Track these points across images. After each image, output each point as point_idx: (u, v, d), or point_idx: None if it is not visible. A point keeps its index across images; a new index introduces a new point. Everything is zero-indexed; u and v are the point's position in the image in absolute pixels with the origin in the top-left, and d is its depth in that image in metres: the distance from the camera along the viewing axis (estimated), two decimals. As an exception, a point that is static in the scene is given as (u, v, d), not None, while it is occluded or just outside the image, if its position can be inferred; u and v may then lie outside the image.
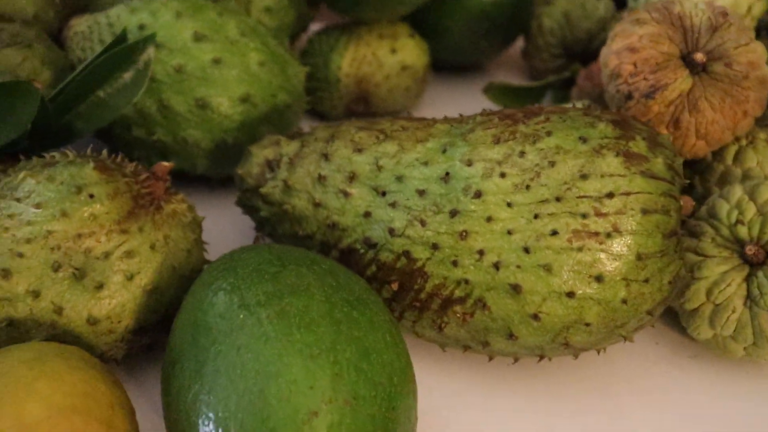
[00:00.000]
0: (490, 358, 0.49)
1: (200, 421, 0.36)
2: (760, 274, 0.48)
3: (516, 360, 0.48)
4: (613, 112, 0.48)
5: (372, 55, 0.68)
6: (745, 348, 0.49)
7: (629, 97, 0.52)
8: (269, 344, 0.36)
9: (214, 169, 0.59)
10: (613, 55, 0.54)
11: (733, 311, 0.48)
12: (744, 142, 0.57)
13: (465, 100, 0.76)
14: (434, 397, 0.49)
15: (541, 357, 0.47)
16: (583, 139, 0.44)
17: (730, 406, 0.49)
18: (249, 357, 0.36)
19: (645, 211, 0.43)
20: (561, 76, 0.71)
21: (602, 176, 0.43)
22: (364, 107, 0.70)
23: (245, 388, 0.36)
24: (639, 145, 0.44)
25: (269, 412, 0.35)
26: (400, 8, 0.66)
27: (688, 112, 0.52)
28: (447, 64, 0.81)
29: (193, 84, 0.56)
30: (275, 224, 0.51)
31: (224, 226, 0.58)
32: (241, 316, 0.38)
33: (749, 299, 0.48)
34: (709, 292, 0.49)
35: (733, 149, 0.57)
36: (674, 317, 0.54)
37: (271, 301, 0.38)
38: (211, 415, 0.36)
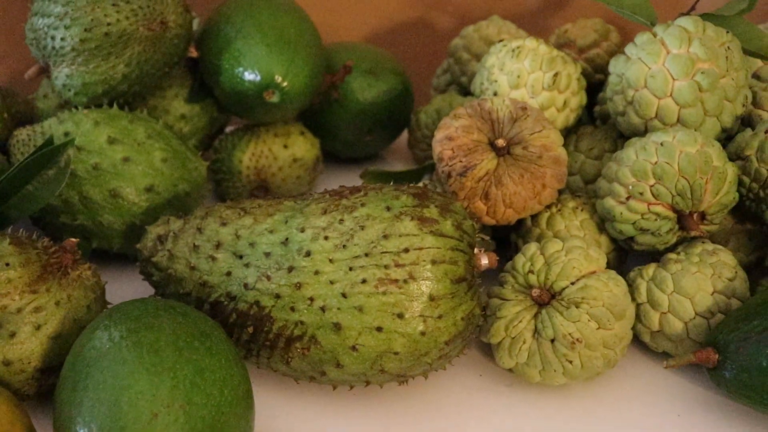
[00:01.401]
0: (334, 387, 0.61)
1: (73, 427, 0.48)
2: (543, 312, 0.60)
3: (351, 387, 0.60)
4: (417, 186, 0.60)
5: (268, 150, 0.82)
6: (539, 372, 0.61)
7: (449, 175, 0.66)
8: (125, 365, 0.48)
9: (128, 247, 0.72)
10: (437, 143, 0.67)
11: (524, 342, 0.60)
12: (554, 209, 0.70)
13: (353, 184, 0.90)
14: (289, 420, 0.60)
15: (368, 383, 0.59)
16: (388, 208, 0.57)
17: (538, 425, 0.61)
18: (109, 375, 0.48)
19: (434, 262, 0.55)
20: (431, 162, 0.84)
21: (400, 236, 0.56)
22: (264, 193, 0.83)
23: (105, 398, 0.48)
24: (431, 211, 0.57)
25: (121, 415, 0.47)
26: (283, 115, 0.81)
27: (494, 186, 0.65)
28: (340, 156, 0.95)
29: (107, 178, 0.69)
30: (164, 286, 0.63)
31: (132, 291, 0.70)
32: (108, 346, 0.50)
33: (536, 332, 0.60)
34: (506, 328, 0.61)
35: (545, 215, 0.70)
36: (497, 354, 0.66)
37: (131, 335, 0.50)
38: (80, 419, 0.48)
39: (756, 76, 0.78)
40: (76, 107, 0.74)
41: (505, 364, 0.62)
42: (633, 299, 0.64)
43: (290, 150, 0.83)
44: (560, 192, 0.72)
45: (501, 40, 0.78)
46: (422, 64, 1.08)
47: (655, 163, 0.63)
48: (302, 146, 0.84)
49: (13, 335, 0.55)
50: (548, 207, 0.70)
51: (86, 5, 0.70)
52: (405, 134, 0.97)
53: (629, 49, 0.71)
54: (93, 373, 0.49)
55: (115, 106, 0.74)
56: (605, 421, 0.61)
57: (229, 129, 0.89)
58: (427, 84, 1.03)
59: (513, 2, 1.08)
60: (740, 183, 0.67)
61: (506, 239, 0.75)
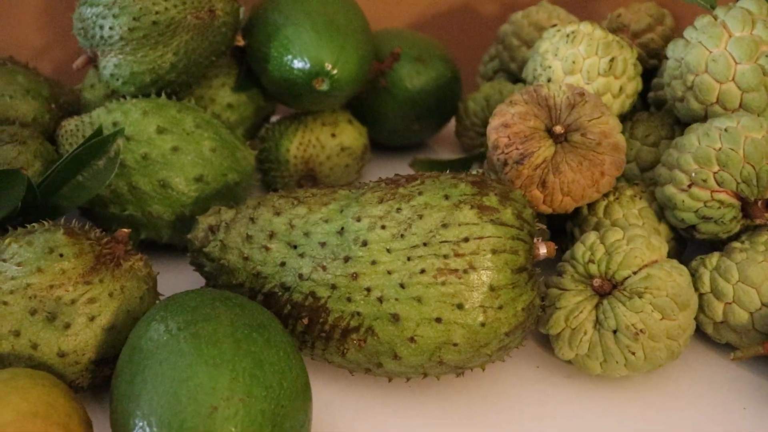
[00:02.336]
0: (389, 380, 0.60)
1: (131, 420, 0.47)
2: (605, 302, 0.59)
3: (408, 380, 0.59)
4: (475, 174, 0.59)
5: (316, 139, 0.81)
6: (600, 364, 0.59)
7: (505, 164, 0.64)
8: (183, 357, 0.48)
9: (177, 238, 0.71)
10: (492, 130, 0.66)
11: (585, 333, 0.59)
12: (612, 198, 0.68)
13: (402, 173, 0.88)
14: (343, 413, 0.59)
15: (425, 375, 0.57)
16: (446, 197, 0.56)
17: (597, 417, 0.59)
18: (167, 367, 0.47)
19: (495, 251, 0.54)
20: (481, 150, 0.83)
21: (459, 225, 0.55)
22: (312, 183, 0.82)
23: (164, 390, 0.47)
24: (491, 200, 0.56)
25: (180, 408, 0.46)
26: (332, 103, 0.80)
27: (552, 174, 0.63)
28: (387, 144, 0.94)
29: (156, 168, 0.69)
30: (216, 277, 0.62)
31: (183, 282, 0.69)
32: (165, 338, 0.49)
33: (597, 323, 0.59)
34: (566, 319, 0.59)
35: (602, 204, 0.68)
36: (554, 345, 0.64)
37: (188, 326, 0.49)
38: (138, 412, 0.47)
39: (818, 59, 0.76)
40: (125, 97, 0.73)
41: (564, 355, 0.60)
42: (696, 289, 0.63)
43: (338, 139, 0.82)
44: (617, 180, 0.70)
45: (554, 25, 0.76)
46: (468, 51, 1.06)
47: (719, 149, 0.61)
48: (350, 135, 0.83)
49: (67, 326, 0.55)
50: (605, 195, 0.68)
51: (134, -7, 0.70)
52: (452, 123, 0.95)
53: (688, 32, 0.69)
54: (151, 366, 0.48)
55: (163, 95, 0.73)
56: (668, 414, 0.59)
57: (275, 118, 0.88)
58: (472, 72, 1.02)
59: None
60: (806, 169, 0.64)
61: (562, 228, 0.73)
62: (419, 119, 0.89)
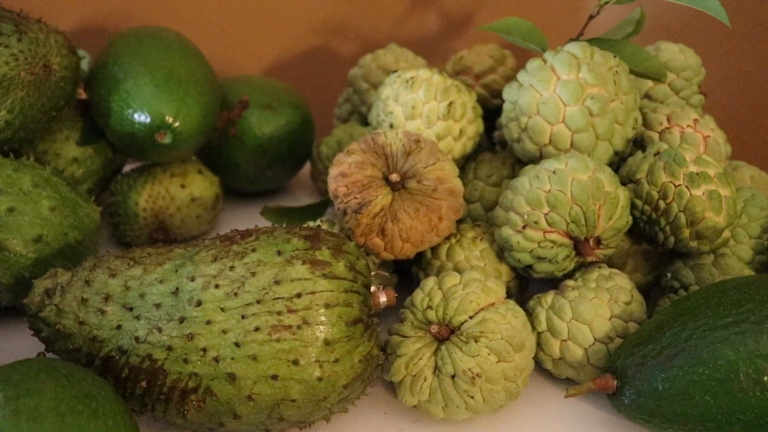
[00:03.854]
0: (234, 438, 0.59)
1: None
2: (443, 348, 0.60)
3: (251, 436, 0.59)
4: (309, 227, 0.59)
5: (165, 191, 0.80)
6: (442, 409, 0.60)
7: (345, 212, 0.65)
8: (2, 436, 0.46)
9: (17, 300, 0.69)
10: (332, 180, 0.66)
11: (425, 380, 0.60)
12: (453, 240, 0.70)
13: (256, 221, 0.88)
14: (189, 474, 0.59)
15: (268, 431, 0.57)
16: (279, 252, 0.56)
17: (437, 459, 0.60)
18: (-15, 448, 0.46)
19: (328, 306, 0.54)
20: (333, 195, 0.83)
21: (292, 281, 0.55)
22: (164, 235, 0.81)
23: (-18, 472, 0.45)
24: (324, 254, 0.56)
25: (-1, 489, 0.45)
26: (177, 155, 0.80)
27: (390, 222, 0.64)
28: (243, 191, 0.94)
29: (-8, 230, 0.67)
30: (53, 342, 0.61)
31: (24, 347, 0.67)
32: (-16, 416, 0.48)
33: (437, 369, 0.60)
34: (407, 366, 0.60)
35: (445, 247, 0.69)
36: (402, 390, 0.65)
37: (8, 403, 0.48)
38: (-44, 496, 0.45)
39: (647, 96, 0.80)
40: (-42, 157, 0.71)
41: (408, 401, 0.61)
42: (534, 328, 0.64)
43: (188, 189, 0.82)
44: (460, 220, 0.72)
45: (395, 71, 0.77)
46: (326, 93, 1.07)
47: (549, 191, 0.64)
48: (200, 185, 0.82)
49: None
50: (447, 238, 0.70)
51: (-37, 52, 0.68)
52: (308, 166, 0.96)
53: (521, 75, 0.72)
54: (-31, 446, 0.47)
55: (-1, 154, 0.71)
56: (511, 453, 0.61)
57: (126, 169, 0.87)
58: (330, 113, 1.03)
59: (413, 28, 1.08)
60: (633, 206, 0.67)
61: (409, 271, 0.74)
62: (272, 166, 0.90)
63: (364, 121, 0.92)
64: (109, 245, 0.85)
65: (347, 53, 1.10)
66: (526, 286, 0.72)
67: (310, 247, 0.57)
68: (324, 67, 1.09)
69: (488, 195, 0.76)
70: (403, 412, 0.64)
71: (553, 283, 0.70)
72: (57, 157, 0.80)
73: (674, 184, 0.65)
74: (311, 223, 0.69)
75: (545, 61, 0.70)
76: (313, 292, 0.55)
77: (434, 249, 0.70)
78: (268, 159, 0.89)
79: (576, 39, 0.77)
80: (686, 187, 0.64)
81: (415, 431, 0.62)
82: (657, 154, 0.67)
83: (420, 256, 0.71)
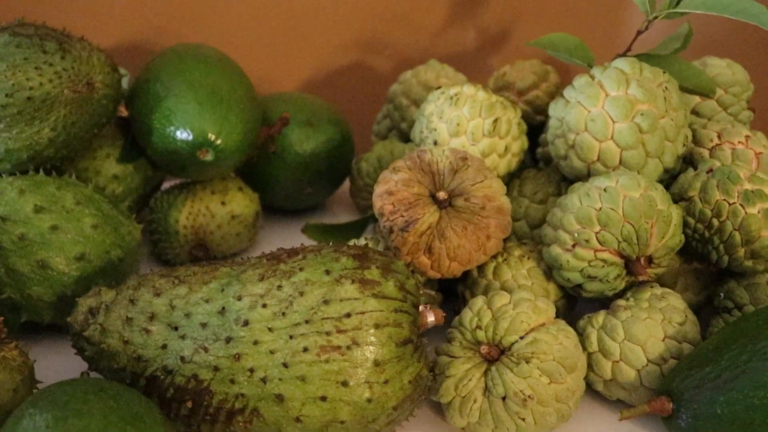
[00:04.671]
0: (280, 460, 0.58)
1: None
2: (493, 368, 0.58)
3: (298, 459, 0.58)
4: (358, 246, 0.58)
5: (205, 208, 0.80)
6: (492, 431, 0.59)
7: (391, 231, 0.64)
8: (51, 458, 0.45)
9: (60, 318, 0.69)
10: (377, 198, 0.65)
11: (475, 401, 0.58)
12: (500, 259, 0.68)
13: (296, 238, 0.87)
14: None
15: (315, 453, 0.56)
16: (328, 272, 0.55)
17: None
18: (34, 470, 0.45)
19: (378, 326, 0.53)
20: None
21: (341, 300, 0.54)
22: (204, 252, 0.80)
23: (31, 495, 0.44)
24: (373, 273, 0.55)
25: None
26: (218, 173, 0.79)
27: (437, 240, 0.63)
28: (282, 208, 0.93)
29: (35, 248, 0.66)
30: (97, 361, 0.60)
31: (67, 365, 0.67)
32: (32, 438, 0.47)
33: (487, 390, 0.58)
34: (456, 387, 0.59)
35: (492, 265, 0.68)
36: (448, 412, 0.64)
37: (57, 424, 0.47)
38: None
39: (695, 113, 0.78)
40: (0, 175, 0.71)
41: (456, 423, 0.60)
42: (584, 348, 0.63)
43: (228, 207, 0.81)
44: (506, 239, 0.70)
45: (439, 87, 0.77)
46: (363, 110, 1.07)
47: (600, 209, 0.62)
48: (241, 202, 0.82)
49: (-67, 427, 0.52)
50: (494, 257, 0.68)
51: (6, 69, 0.67)
52: (348, 182, 0.95)
53: (568, 92, 0.71)
54: (17, 469, 0.46)
55: (41, 171, 0.71)
56: (563, 477, 0.59)
57: (165, 186, 0.87)
58: (368, 130, 1.02)
59: (451, 44, 1.07)
60: (685, 224, 0.66)
61: (454, 290, 0.73)
62: (311, 183, 0.89)
63: (404, 138, 0.91)
64: (148, 263, 0.84)
65: (383, 70, 1.10)
66: (574, 305, 0.70)
67: (359, 266, 0.56)
68: (360, 83, 1.09)
69: (533, 213, 0.75)
70: (451, 435, 0.63)
71: (602, 302, 0.69)
72: (97, 175, 0.79)
73: (728, 202, 0.63)
74: (355, 242, 0.68)
75: (593, 78, 0.69)
76: (362, 312, 0.54)
77: (480, 267, 0.69)
78: (308, 176, 0.88)
79: (623, 54, 0.76)
80: (741, 205, 0.63)
81: (464, 454, 0.61)
82: (710, 171, 0.66)
83: (465, 274, 0.70)
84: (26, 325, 0.70)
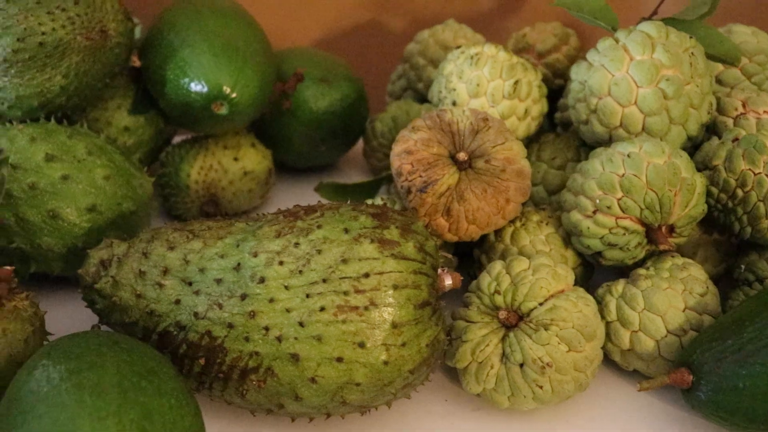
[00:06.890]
0: (292, 419, 0.57)
1: (9, 479, 0.44)
2: (511, 335, 0.58)
3: (311, 419, 0.57)
4: (376, 205, 0.57)
5: (217, 163, 0.78)
6: (508, 398, 0.58)
7: (409, 191, 0.63)
8: (65, 411, 0.44)
9: (69, 270, 0.68)
10: (395, 157, 0.64)
11: (492, 367, 0.57)
12: (518, 224, 0.67)
13: (308, 197, 0.86)
14: (245, 456, 0.57)
15: (328, 415, 0.55)
16: (346, 230, 0.54)
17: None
18: (48, 422, 0.44)
19: (396, 287, 0.52)
20: (389, 172, 0.81)
21: (360, 260, 0.53)
22: (215, 209, 0.79)
23: (43, 448, 0.44)
24: (392, 233, 0.54)
25: (61, 467, 0.43)
26: (232, 127, 0.77)
27: (456, 202, 0.62)
28: (294, 166, 0.92)
29: (46, 198, 0.65)
30: (108, 314, 0.59)
31: (76, 318, 0.66)
32: (46, 389, 0.46)
33: (504, 356, 0.57)
34: (473, 353, 0.58)
35: (509, 230, 0.67)
36: (461, 377, 0.63)
37: (71, 376, 0.46)
38: (15, 472, 0.44)
39: (717, 81, 0.77)
40: (11, 122, 0.69)
41: (472, 389, 0.59)
42: (602, 317, 0.62)
43: (241, 162, 0.79)
44: (524, 204, 0.69)
45: (458, 47, 0.75)
46: (376, 69, 1.05)
47: (623, 175, 0.61)
48: (253, 158, 0.80)
49: (-57, 374, 0.51)
50: (512, 221, 0.67)
51: (18, 13, 0.66)
52: (360, 143, 0.93)
53: (591, 55, 0.69)
54: (30, 420, 0.45)
55: (52, 120, 0.69)
56: (576, 445, 0.58)
57: (176, 140, 0.85)
58: (381, 89, 1.00)
59: (468, 4, 1.05)
60: (708, 194, 0.65)
61: (469, 254, 0.72)
62: (325, 141, 0.87)
63: (420, 98, 0.90)
64: (158, 219, 0.83)
65: (398, 28, 1.08)
66: (591, 273, 0.69)
67: (378, 226, 0.54)
68: (374, 42, 1.07)
69: (552, 178, 0.73)
70: (465, 400, 0.62)
71: (620, 271, 0.68)
72: (108, 126, 0.78)
73: (754, 172, 0.62)
74: (372, 201, 0.67)
75: (617, 41, 0.67)
76: (381, 273, 0.52)
77: (498, 232, 0.68)
78: (321, 134, 0.86)
79: (649, 18, 0.74)
80: (767, 175, 0.62)
81: (478, 420, 0.60)
82: (735, 140, 0.64)
83: (482, 238, 0.69)
84: (34, 277, 0.69)
